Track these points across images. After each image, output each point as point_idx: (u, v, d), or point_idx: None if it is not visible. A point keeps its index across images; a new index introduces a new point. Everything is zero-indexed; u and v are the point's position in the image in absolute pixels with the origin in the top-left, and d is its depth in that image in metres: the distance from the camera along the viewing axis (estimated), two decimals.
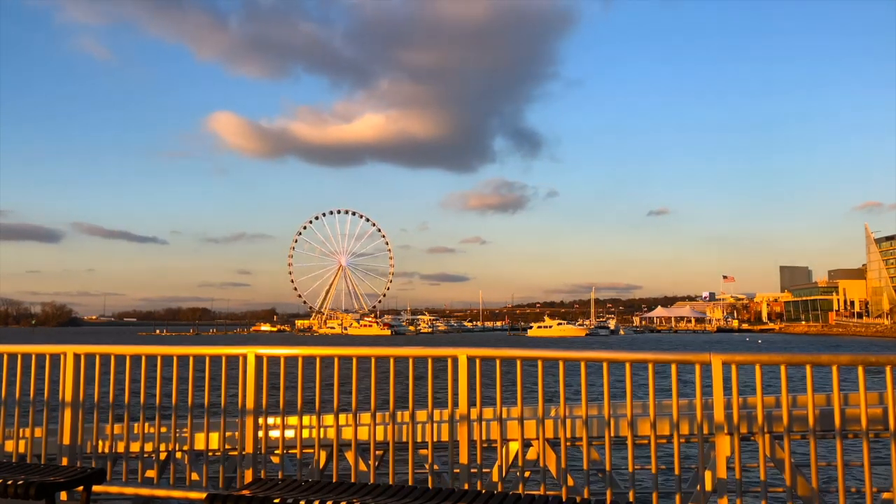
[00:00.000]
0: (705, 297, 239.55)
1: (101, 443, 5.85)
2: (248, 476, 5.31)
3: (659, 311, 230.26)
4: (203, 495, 4.37)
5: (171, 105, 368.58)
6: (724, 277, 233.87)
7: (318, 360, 5.37)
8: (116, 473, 5.83)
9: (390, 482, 5.12)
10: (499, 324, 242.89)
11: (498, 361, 5.06)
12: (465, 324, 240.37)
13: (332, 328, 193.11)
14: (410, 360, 5.23)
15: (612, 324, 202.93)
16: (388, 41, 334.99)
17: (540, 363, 4.99)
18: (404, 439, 5.70)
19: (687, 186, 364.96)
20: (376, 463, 5.37)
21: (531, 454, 5.77)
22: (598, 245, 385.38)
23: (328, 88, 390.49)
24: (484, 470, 5.23)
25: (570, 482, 5.15)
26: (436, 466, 5.40)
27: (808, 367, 4.46)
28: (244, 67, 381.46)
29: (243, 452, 5.42)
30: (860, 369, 4.36)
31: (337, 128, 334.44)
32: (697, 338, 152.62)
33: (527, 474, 5.28)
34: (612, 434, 5.19)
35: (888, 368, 4.27)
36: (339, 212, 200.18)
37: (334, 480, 5.02)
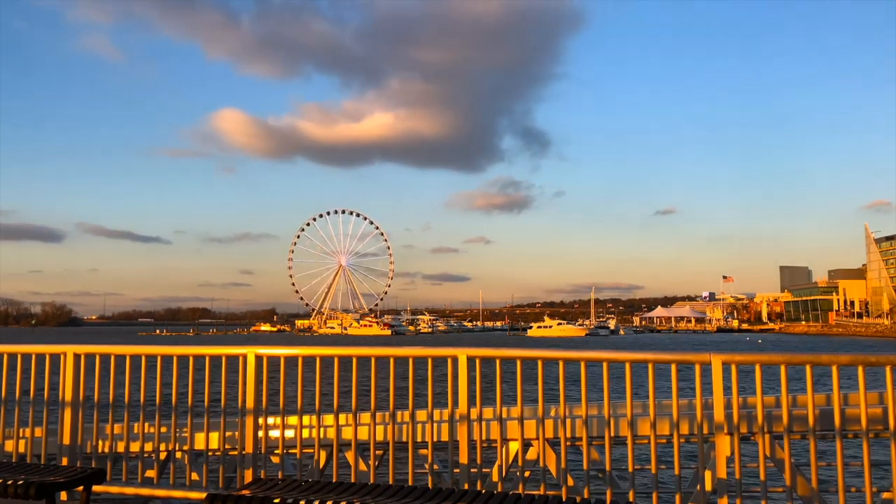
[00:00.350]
0: (705, 298, 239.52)
1: (101, 443, 5.85)
2: (248, 476, 5.31)
3: (659, 311, 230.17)
4: (203, 495, 4.37)
5: (178, 105, 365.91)
6: (724, 278, 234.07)
7: (318, 360, 5.37)
8: (116, 473, 5.84)
9: (390, 482, 5.12)
10: (499, 324, 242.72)
11: (498, 361, 5.06)
12: (465, 324, 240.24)
13: (332, 328, 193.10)
14: (410, 360, 5.23)
15: (612, 324, 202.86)
16: (400, 39, 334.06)
17: (540, 363, 4.99)
18: (404, 439, 5.70)
19: (696, 185, 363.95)
20: (376, 463, 5.37)
21: (531, 454, 5.77)
22: (603, 245, 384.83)
23: (338, 87, 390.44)
24: (484, 470, 5.22)
25: (570, 482, 5.15)
26: (436, 466, 5.40)
27: (808, 367, 4.46)
28: (254, 66, 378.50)
29: (243, 452, 5.42)
30: (860, 369, 4.36)
31: (346, 126, 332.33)
32: (697, 338, 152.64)
33: (527, 474, 5.28)
34: (612, 434, 5.19)
35: (888, 368, 4.27)
36: (339, 212, 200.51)
37: (334, 480, 5.02)
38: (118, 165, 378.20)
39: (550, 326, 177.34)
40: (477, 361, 5.10)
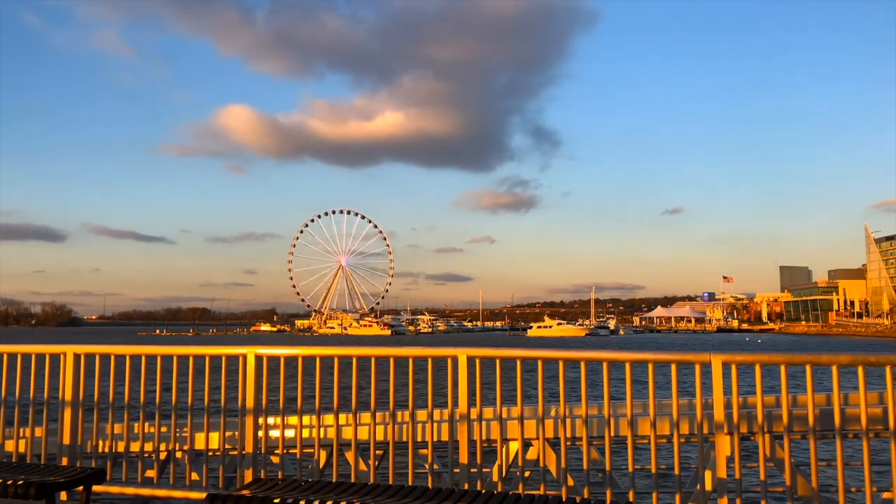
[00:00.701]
0: (705, 298, 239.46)
1: (101, 443, 5.85)
2: (248, 476, 5.31)
3: (659, 311, 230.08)
4: (203, 495, 4.37)
5: (187, 103, 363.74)
6: (724, 278, 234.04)
7: (318, 360, 5.37)
8: (116, 473, 5.83)
9: (390, 482, 5.12)
10: (499, 324, 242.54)
11: (498, 361, 5.06)
12: (465, 324, 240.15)
13: (332, 328, 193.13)
14: (410, 360, 5.23)
15: (611, 324, 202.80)
16: (415, 35, 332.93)
17: (540, 363, 4.99)
18: (404, 439, 5.69)
19: (703, 184, 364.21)
20: (376, 463, 5.37)
21: (531, 454, 5.77)
22: (608, 245, 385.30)
23: (350, 85, 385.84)
24: (484, 470, 5.22)
25: (570, 482, 5.14)
26: (436, 466, 5.40)
27: (808, 367, 4.46)
28: (266, 64, 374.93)
29: (243, 452, 5.42)
30: (860, 369, 4.36)
31: (357, 125, 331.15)
32: (697, 338, 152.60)
33: (527, 474, 5.28)
34: (612, 434, 5.19)
35: (888, 368, 4.27)
36: (339, 212, 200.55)
37: (334, 480, 5.02)
38: (124, 164, 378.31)
39: (550, 326, 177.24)
40: (477, 361, 5.10)
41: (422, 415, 6.05)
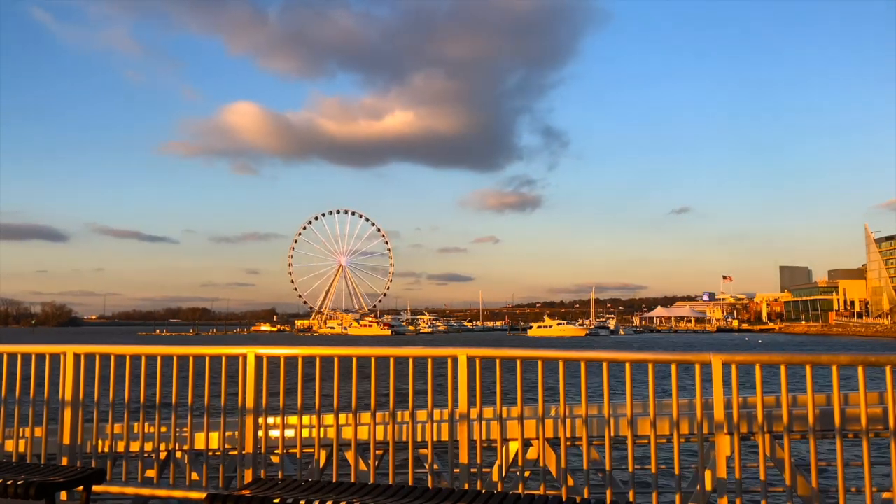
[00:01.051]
0: (705, 298, 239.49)
1: (101, 442, 5.85)
2: (248, 476, 5.31)
3: (659, 311, 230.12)
4: (203, 495, 4.37)
5: (196, 102, 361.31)
6: (724, 278, 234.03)
7: (318, 360, 5.38)
8: (116, 473, 5.83)
9: (390, 482, 5.12)
10: (499, 324, 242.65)
11: (498, 361, 5.06)
12: (465, 324, 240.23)
13: (332, 328, 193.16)
14: (410, 360, 5.23)
15: (611, 324, 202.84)
16: (428, 33, 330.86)
17: (540, 363, 4.99)
18: (404, 439, 5.70)
19: (710, 184, 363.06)
20: (376, 463, 5.37)
21: (531, 454, 5.77)
22: (612, 244, 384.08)
23: (361, 84, 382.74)
24: (484, 470, 5.22)
25: (570, 482, 5.15)
26: (436, 466, 5.40)
27: (808, 367, 4.46)
28: (277, 63, 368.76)
29: (243, 452, 5.42)
30: (860, 369, 4.36)
31: (366, 124, 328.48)
32: (697, 338, 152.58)
33: (527, 474, 5.28)
34: (612, 434, 5.19)
35: (888, 368, 4.27)
36: (339, 212, 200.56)
37: (334, 480, 5.02)
38: (128, 164, 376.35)
39: (550, 326, 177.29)
40: (477, 361, 5.10)
41: (422, 415, 6.05)
